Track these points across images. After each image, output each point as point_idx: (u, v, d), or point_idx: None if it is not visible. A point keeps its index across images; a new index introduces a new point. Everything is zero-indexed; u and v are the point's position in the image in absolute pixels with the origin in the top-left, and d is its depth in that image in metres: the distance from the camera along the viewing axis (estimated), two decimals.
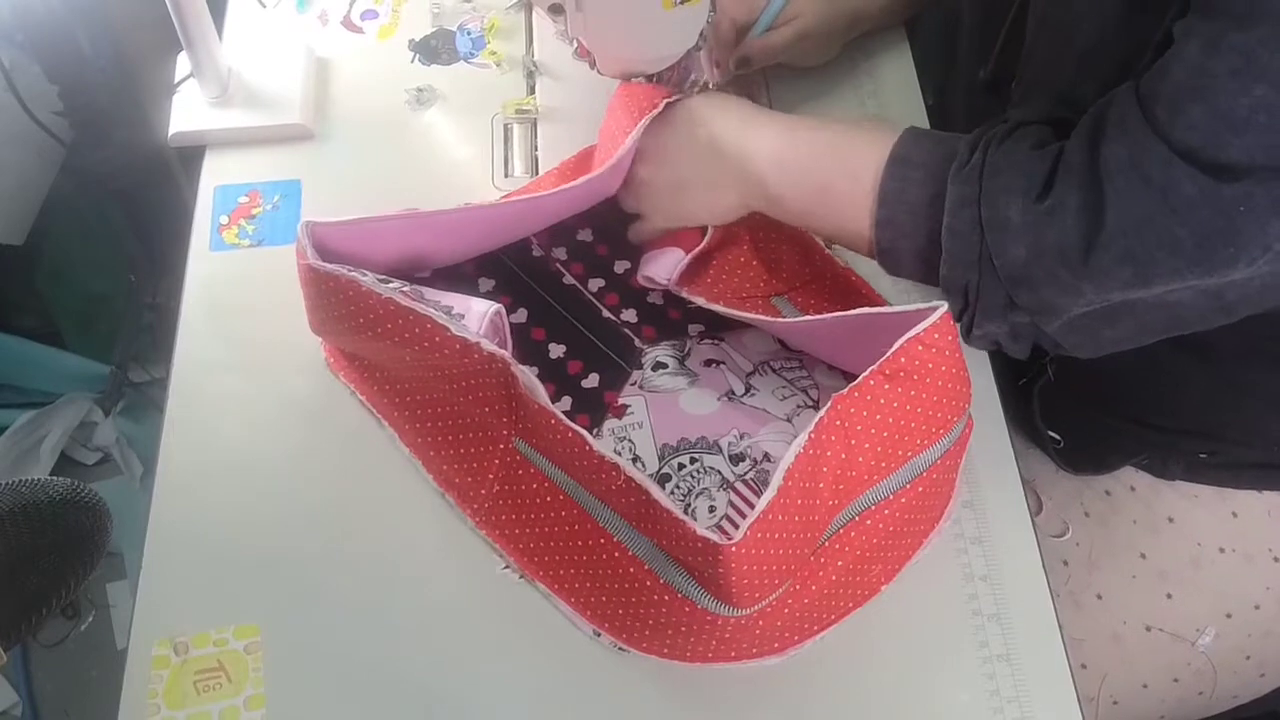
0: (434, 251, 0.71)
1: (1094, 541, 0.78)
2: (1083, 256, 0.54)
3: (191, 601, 0.64)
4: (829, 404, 0.56)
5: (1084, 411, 0.77)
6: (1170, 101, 0.50)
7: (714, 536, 0.52)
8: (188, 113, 0.82)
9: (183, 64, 0.82)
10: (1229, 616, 0.76)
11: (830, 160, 0.65)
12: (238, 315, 0.75)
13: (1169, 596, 0.76)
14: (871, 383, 0.57)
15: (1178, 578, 0.76)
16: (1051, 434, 0.79)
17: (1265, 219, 0.49)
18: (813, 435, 0.55)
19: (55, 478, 0.70)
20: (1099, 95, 0.56)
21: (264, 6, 0.91)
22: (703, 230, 0.72)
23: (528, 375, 0.59)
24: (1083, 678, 0.76)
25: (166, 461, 0.69)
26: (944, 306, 0.58)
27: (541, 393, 0.59)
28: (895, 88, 0.85)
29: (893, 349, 0.57)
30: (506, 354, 0.59)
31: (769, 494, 0.53)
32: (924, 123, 0.84)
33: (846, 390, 0.57)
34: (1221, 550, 0.76)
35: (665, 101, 0.69)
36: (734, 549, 0.52)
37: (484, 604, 0.64)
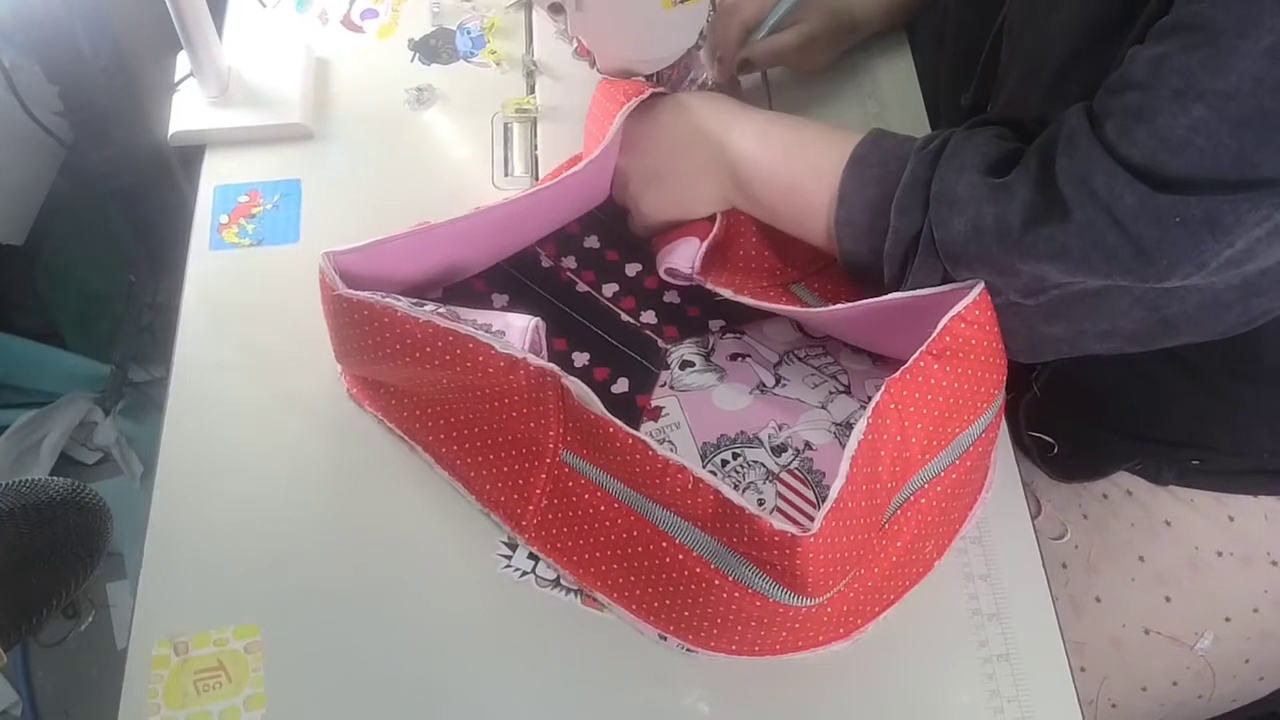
0: (451, 263, 0.71)
1: (1092, 544, 0.78)
2: (1020, 235, 0.55)
3: (191, 601, 0.64)
4: (883, 388, 0.57)
5: (1072, 423, 0.77)
6: (1117, 121, 0.52)
7: (792, 530, 0.53)
8: (188, 112, 0.82)
9: (183, 64, 0.82)
10: (1228, 620, 0.76)
11: (799, 160, 0.65)
12: (237, 315, 0.75)
13: (1167, 600, 0.76)
14: (922, 363, 0.58)
15: (1176, 581, 0.76)
16: (1043, 437, 0.79)
17: (1199, 232, 0.50)
18: (871, 420, 0.56)
19: (56, 478, 0.70)
20: None
21: (264, 6, 0.91)
22: (712, 218, 0.72)
23: (580, 386, 0.59)
24: (1082, 681, 0.75)
25: (166, 461, 0.69)
26: (981, 284, 0.59)
27: (596, 403, 0.58)
28: (895, 90, 0.86)
29: (938, 328, 0.58)
30: (556, 367, 0.59)
31: (839, 483, 0.54)
32: (925, 124, 0.84)
33: (899, 373, 0.58)
34: (1219, 554, 0.76)
35: (651, 90, 0.69)
36: (812, 540, 0.53)
37: (483, 603, 0.64)
